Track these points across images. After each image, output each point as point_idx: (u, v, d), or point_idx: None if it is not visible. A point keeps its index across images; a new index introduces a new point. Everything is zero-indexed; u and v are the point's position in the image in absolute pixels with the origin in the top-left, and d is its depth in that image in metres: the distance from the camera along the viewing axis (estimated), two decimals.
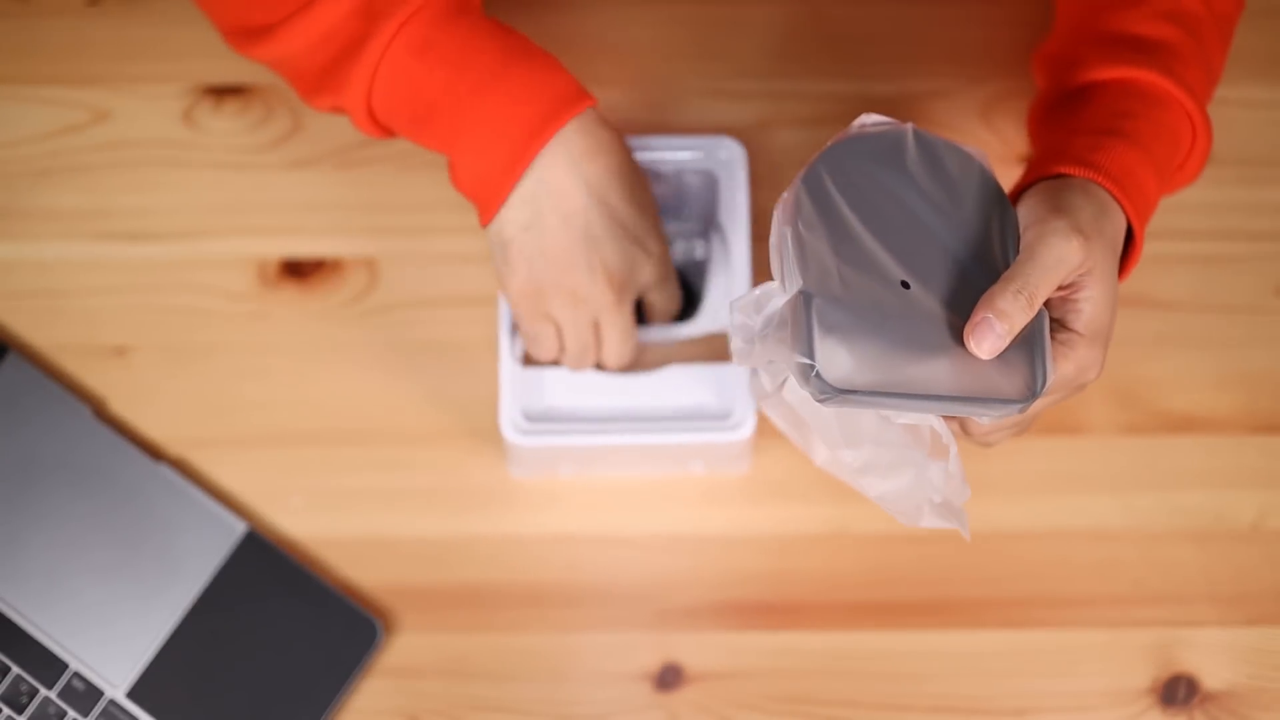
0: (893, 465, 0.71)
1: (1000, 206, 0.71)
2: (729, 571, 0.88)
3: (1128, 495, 0.89)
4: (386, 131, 0.79)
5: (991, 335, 0.66)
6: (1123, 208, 0.71)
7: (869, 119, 0.71)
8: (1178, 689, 0.86)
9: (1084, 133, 0.74)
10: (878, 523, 0.88)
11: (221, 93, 0.95)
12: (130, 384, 0.90)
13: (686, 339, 0.84)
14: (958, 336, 0.66)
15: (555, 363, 0.83)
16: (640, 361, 0.85)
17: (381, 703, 0.86)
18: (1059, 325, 0.70)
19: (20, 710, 0.84)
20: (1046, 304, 0.69)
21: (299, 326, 0.91)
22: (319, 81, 0.77)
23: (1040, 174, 0.72)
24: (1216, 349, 0.91)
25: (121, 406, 0.90)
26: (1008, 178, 0.94)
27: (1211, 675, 0.86)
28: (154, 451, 0.89)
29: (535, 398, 0.83)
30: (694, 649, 0.86)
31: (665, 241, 0.81)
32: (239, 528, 0.86)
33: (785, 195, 0.68)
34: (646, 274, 0.80)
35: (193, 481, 0.87)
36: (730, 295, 0.83)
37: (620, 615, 0.87)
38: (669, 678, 0.86)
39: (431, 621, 0.87)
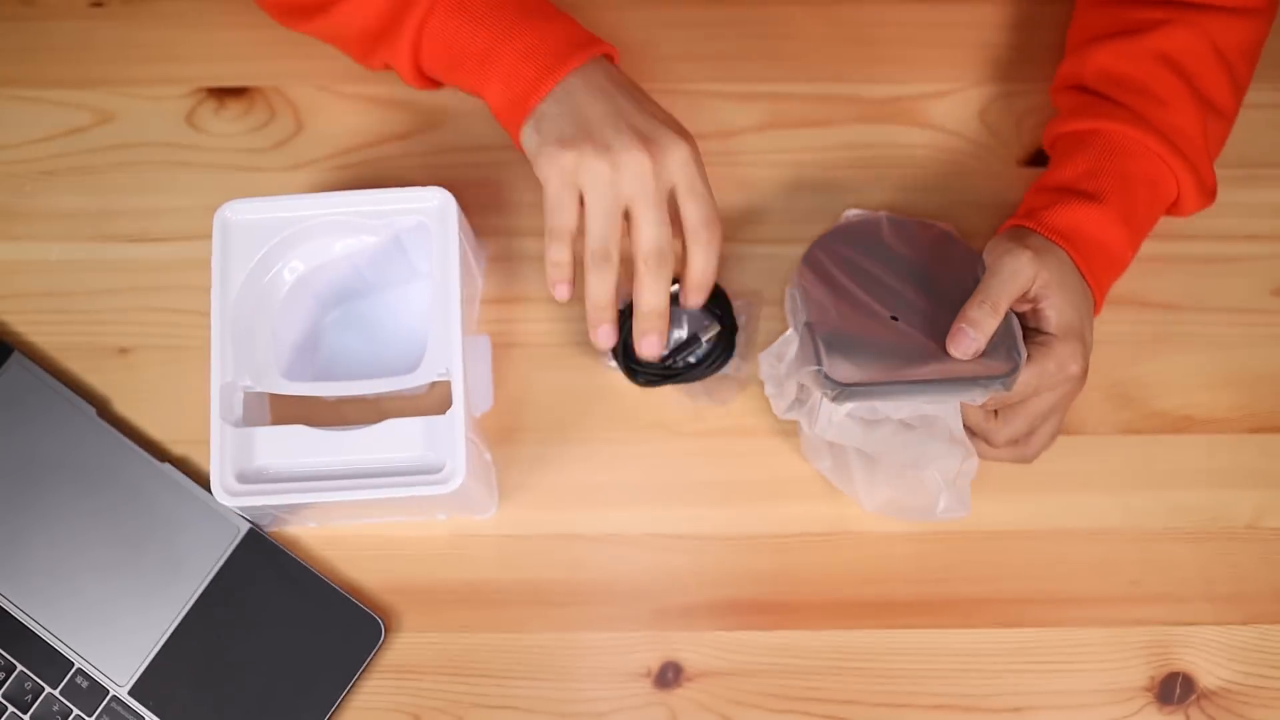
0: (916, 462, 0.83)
1: (968, 259, 0.85)
2: (728, 570, 0.88)
3: (1125, 495, 0.89)
4: (431, 82, 0.89)
5: (966, 339, 0.79)
6: (1071, 258, 0.83)
7: (851, 212, 0.91)
8: (1174, 687, 0.86)
9: (1050, 190, 0.85)
10: (877, 522, 0.88)
11: (224, 95, 0.95)
12: (133, 384, 0.90)
13: (405, 390, 0.82)
14: (942, 349, 0.80)
15: (568, 238, 0.82)
16: (355, 415, 0.86)
17: (384, 700, 0.86)
18: (1035, 332, 0.82)
19: (24, 708, 0.85)
20: (1021, 319, 0.82)
21: None
22: (371, 47, 0.87)
23: (1009, 225, 0.86)
24: (1214, 349, 0.91)
25: (124, 406, 0.90)
26: (1007, 177, 0.95)
27: (1208, 673, 0.86)
28: (157, 451, 0.89)
29: (247, 458, 0.81)
30: (693, 647, 0.87)
31: (693, 149, 0.82)
32: (241, 526, 0.87)
33: (792, 276, 0.87)
34: (676, 158, 0.81)
35: (195, 481, 0.87)
36: (448, 343, 0.81)
37: (620, 614, 0.87)
38: (669, 675, 0.86)
39: (433, 620, 0.87)
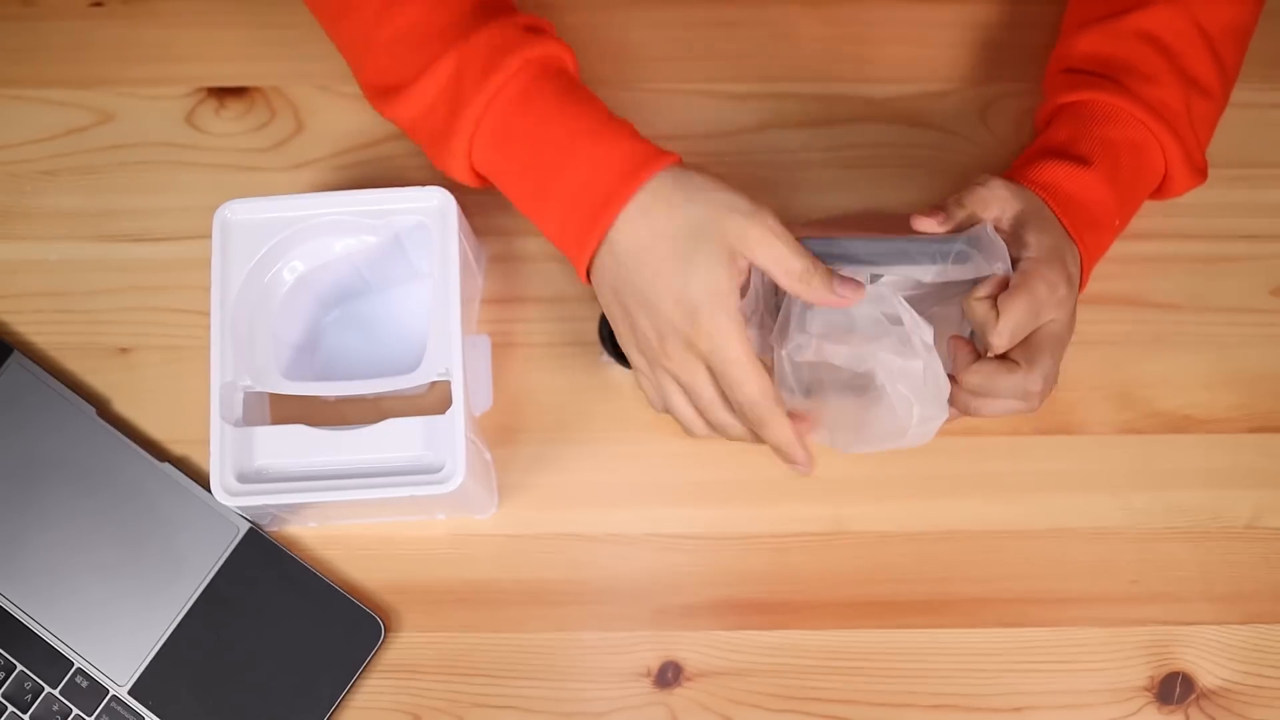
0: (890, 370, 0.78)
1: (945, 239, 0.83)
2: (728, 570, 0.88)
3: (1125, 494, 0.89)
4: (485, 181, 0.84)
5: (932, 217, 0.80)
6: (1052, 209, 0.81)
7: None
8: (1174, 687, 0.86)
9: (1035, 154, 0.84)
10: (876, 522, 0.88)
11: (224, 95, 0.95)
12: (133, 384, 0.90)
13: (405, 390, 0.82)
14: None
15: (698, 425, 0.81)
16: (355, 415, 0.86)
17: (383, 700, 0.86)
18: (1017, 261, 0.79)
19: (24, 708, 0.85)
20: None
21: None
22: (435, 146, 0.82)
23: None
24: (1214, 349, 0.91)
25: (124, 406, 0.90)
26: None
27: (1207, 673, 0.86)
28: (157, 451, 0.89)
29: (247, 458, 0.81)
30: (693, 647, 0.87)
31: (713, 311, 0.75)
32: (241, 526, 0.87)
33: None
34: (697, 352, 0.77)
35: (195, 480, 0.87)
36: (447, 342, 0.81)
37: (620, 613, 0.87)
38: (668, 675, 0.86)
39: (433, 619, 0.87)
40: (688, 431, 0.81)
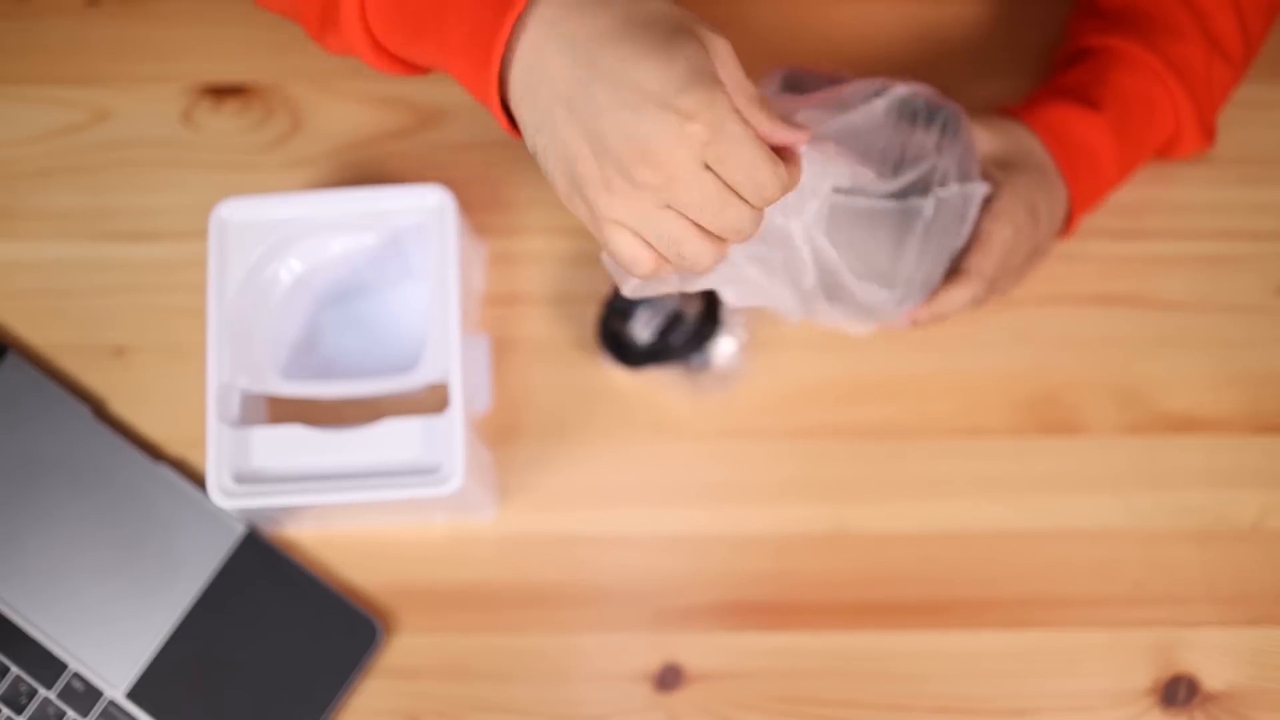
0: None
1: None
2: (729, 572, 0.87)
3: (1129, 495, 0.88)
4: (400, 63, 0.71)
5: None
6: (1047, 147, 0.82)
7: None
8: (1178, 689, 0.85)
9: (1047, 91, 0.86)
10: (877, 522, 0.88)
11: (221, 93, 0.95)
12: (130, 384, 0.90)
13: (403, 391, 0.82)
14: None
15: (657, 271, 0.64)
16: (353, 415, 0.84)
17: (381, 703, 0.86)
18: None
19: (20, 710, 0.84)
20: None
21: None
22: (321, 19, 0.72)
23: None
24: (1218, 349, 0.91)
25: (121, 406, 0.90)
26: None
27: (1212, 675, 0.86)
28: (154, 452, 0.89)
29: (243, 459, 0.81)
30: (694, 649, 0.86)
31: (710, 83, 0.61)
32: (238, 528, 0.86)
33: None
34: (695, 137, 0.61)
35: (192, 482, 0.87)
36: (446, 343, 0.81)
37: (620, 616, 0.87)
38: (669, 678, 0.86)
39: (431, 622, 0.87)
40: (632, 270, 0.65)
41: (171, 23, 0.96)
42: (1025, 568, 0.87)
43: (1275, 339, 0.91)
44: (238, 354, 0.82)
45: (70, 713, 0.84)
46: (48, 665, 0.85)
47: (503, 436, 0.89)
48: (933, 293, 0.81)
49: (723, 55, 0.63)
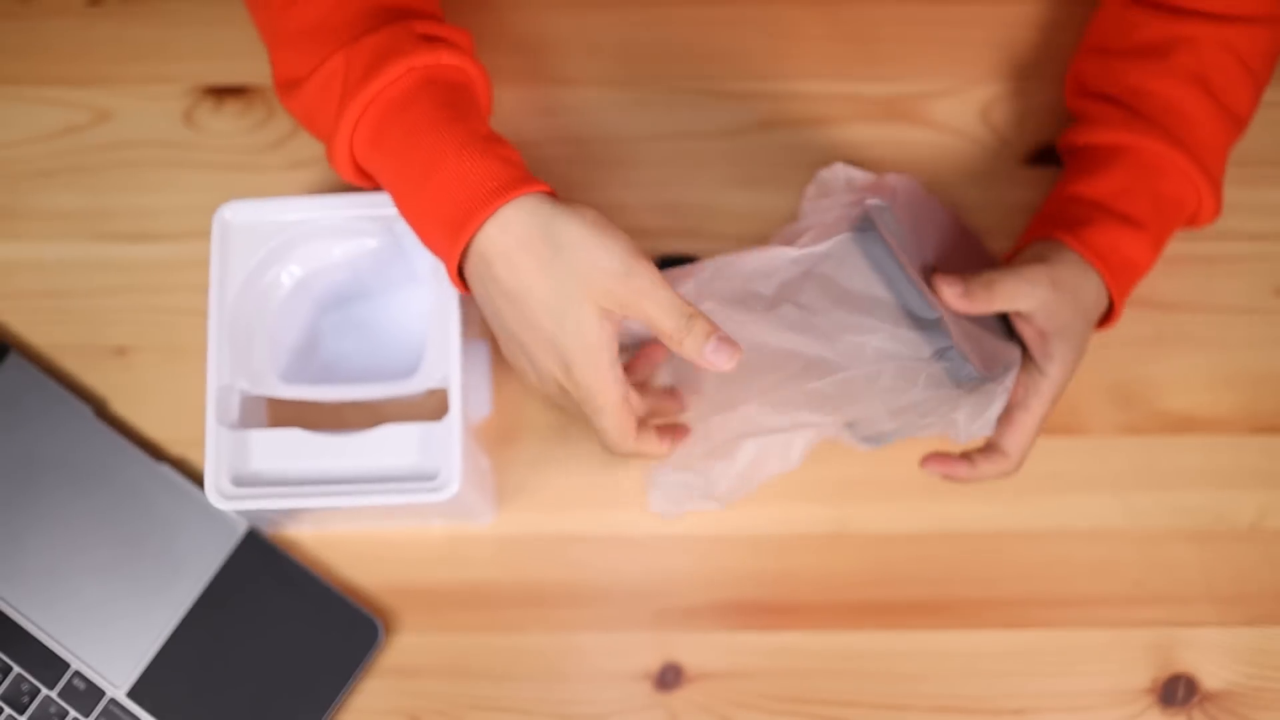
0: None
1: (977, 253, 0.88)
2: (729, 571, 0.88)
3: (1128, 495, 0.89)
4: (367, 178, 0.82)
5: (952, 287, 0.79)
6: (1104, 282, 0.82)
7: (852, 172, 0.89)
8: (1177, 689, 0.86)
9: (1085, 203, 0.84)
10: (877, 523, 0.88)
11: (222, 93, 0.95)
12: (131, 384, 0.90)
13: (403, 396, 0.82)
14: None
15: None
16: (353, 419, 0.85)
17: (382, 702, 0.86)
18: (1035, 368, 0.82)
19: (21, 710, 0.84)
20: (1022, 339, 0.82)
21: None
22: (326, 142, 0.80)
23: (1040, 235, 0.84)
24: (1216, 349, 0.91)
25: (122, 407, 0.90)
26: (1009, 176, 0.94)
27: (1211, 675, 0.86)
28: (155, 451, 0.89)
29: (242, 461, 0.81)
30: (694, 649, 0.86)
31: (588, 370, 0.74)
32: (240, 527, 0.86)
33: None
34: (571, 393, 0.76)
35: (193, 481, 0.87)
36: (446, 349, 0.81)
37: (620, 615, 0.87)
38: (669, 677, 0.86)
39: (432, 621, 0.87)
40: (523, 379, 0.79)
41: (173, 23, 0.96)
42: (1024, 567, 0.87)
43: (1274, 339, 0.91)
44: (238, 357, 0.82)
45: (72, 712, 0.84)
46: (49, 664, 0.85)
47: (503, 437, 0.89)
48: (970, 464, 0.84)
49: (628, 300, 0.73)
